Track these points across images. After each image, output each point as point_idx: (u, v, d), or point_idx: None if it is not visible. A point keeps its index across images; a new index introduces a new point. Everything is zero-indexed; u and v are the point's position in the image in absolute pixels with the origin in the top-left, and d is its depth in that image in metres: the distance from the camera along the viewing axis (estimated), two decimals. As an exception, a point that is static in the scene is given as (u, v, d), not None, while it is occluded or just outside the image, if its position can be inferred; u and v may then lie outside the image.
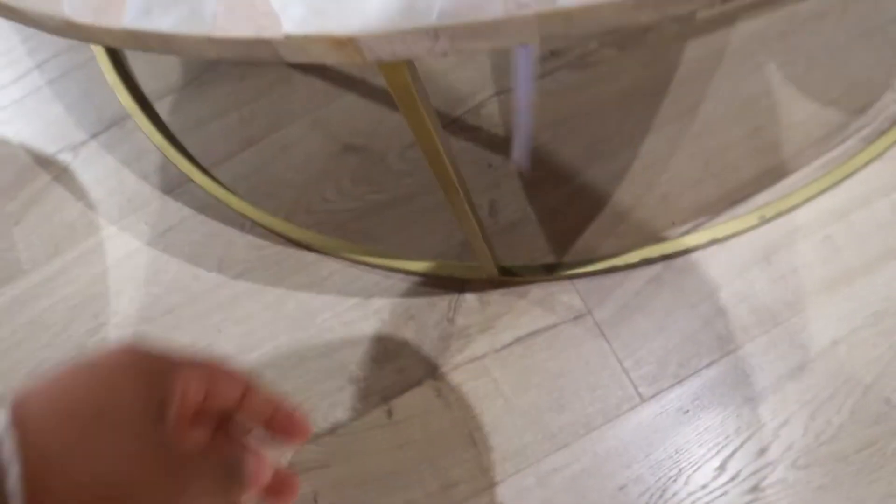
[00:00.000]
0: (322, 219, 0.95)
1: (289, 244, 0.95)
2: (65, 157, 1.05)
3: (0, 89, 1.11)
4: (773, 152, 0.89)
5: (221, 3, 0.41)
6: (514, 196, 0.91)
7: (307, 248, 0.94)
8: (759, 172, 0.88)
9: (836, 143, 0.88)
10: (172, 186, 1.00)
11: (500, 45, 0.40)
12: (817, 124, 0.89)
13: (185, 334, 0.93)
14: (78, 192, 1.03)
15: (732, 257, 0.85)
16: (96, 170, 1.03)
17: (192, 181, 0.99)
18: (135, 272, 0.97)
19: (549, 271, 0.87)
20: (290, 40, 0.40)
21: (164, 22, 0.42)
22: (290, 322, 0.91)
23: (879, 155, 0.86)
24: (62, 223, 1.01)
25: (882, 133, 0.88)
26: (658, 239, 0.87)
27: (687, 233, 0.87)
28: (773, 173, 0.88)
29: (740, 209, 0.87)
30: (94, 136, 1.05)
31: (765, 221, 0.85)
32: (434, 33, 0.39)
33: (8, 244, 1.02)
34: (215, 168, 1.00)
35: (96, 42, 0.45)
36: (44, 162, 1.05)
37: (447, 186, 0.64)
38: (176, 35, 0.42)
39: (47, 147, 1.06)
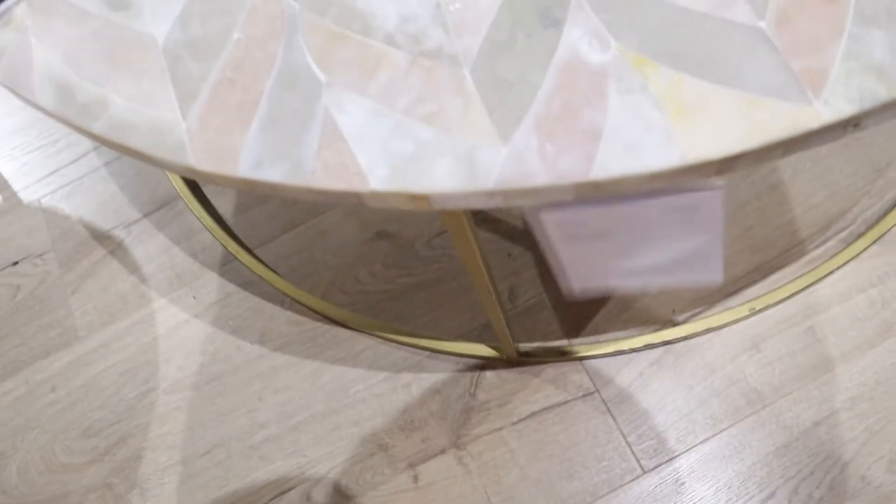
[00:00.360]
0: (356, 299, 1.05)
1: (325, 321, 1.04)
2: (119, 234, 1.15)
3: (61, 169, 1.21)
4: (762, 251, 0.99)
5: (319, 162, 0.52)
6: (531, 284, 1.01)
7: (342, 325, 1.03)
8: (750, 268, 0.99)
9: (819, 243, 0.99)
10: (219, 264, 1.10)
11: (542, 202, 0.51)
12: (802, 226, 1.00)
13: (228, 401, 1.02)
14: (131, 266, 1.13)
15: (725, 344, 0.95)
16: (148, 246, 1.14)
17: (238, 260, 1.09)
18: (183, 342, 1.06)
19: (562, 353, 0.96)
20: (375, 194, 0.51)
21: (272, 173, 0.52)
22: (325, 393, 1.00)
23: (857, 255, 0.97)
24: (116, 294, 1.11)
25: (860, 235, 0.98)
26: (659, 326, 0.97)
27: (685, 321, 0.97)
28: (763, 269, 0.98)
29: (733, 301, 0.97)
30: (146, 214, 1.16)
31: (754, 313, 0.95)
32: (491, 193, 0.50)
33: (65, 312, 1.11)
34: (259, 249, 1.11)
35: (214, 184, 0.55)
36: (100, 237, 1.15)
37: (478, 284, 0.75)
38: (282, 184, 0.52)
39: (103, 223, 1.16)
